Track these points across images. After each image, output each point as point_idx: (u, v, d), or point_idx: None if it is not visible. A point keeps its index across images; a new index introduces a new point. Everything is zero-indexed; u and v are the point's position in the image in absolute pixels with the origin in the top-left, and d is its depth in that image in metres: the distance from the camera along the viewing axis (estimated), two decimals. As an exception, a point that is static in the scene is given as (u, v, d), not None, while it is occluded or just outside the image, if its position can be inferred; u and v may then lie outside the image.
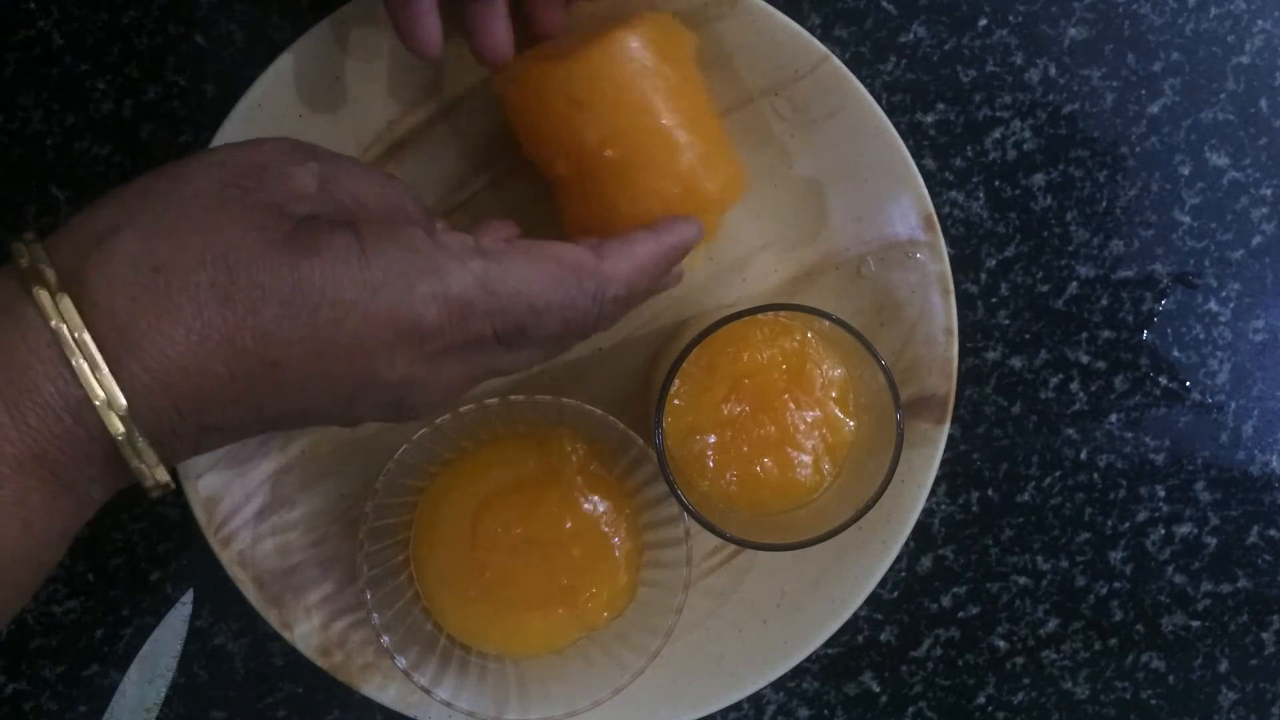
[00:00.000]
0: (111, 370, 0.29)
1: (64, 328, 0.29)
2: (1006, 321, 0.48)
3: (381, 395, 0.33)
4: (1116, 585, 0.49)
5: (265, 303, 0.30)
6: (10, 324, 0.29)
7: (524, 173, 0.43)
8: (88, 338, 0.29)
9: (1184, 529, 0.50)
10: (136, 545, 0.47)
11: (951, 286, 0.45)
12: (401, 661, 0.42)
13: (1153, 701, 0.50)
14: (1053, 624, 0.49)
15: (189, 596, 0.47)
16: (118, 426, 0.29)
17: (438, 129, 0.44)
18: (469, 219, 0.45)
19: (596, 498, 0.43)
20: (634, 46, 0.39)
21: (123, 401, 0.29)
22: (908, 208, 0.44)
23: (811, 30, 0.44)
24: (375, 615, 0.42)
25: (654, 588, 0.44)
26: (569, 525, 0.43)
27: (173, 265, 0.29)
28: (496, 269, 0.33)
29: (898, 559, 0.46)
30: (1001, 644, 0.49)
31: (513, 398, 0.42)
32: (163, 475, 0.31)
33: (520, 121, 0.41)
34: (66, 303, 0.29)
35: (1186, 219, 0.49)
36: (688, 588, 0.42)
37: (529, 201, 0.44)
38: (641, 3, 0.43)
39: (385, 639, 0.42)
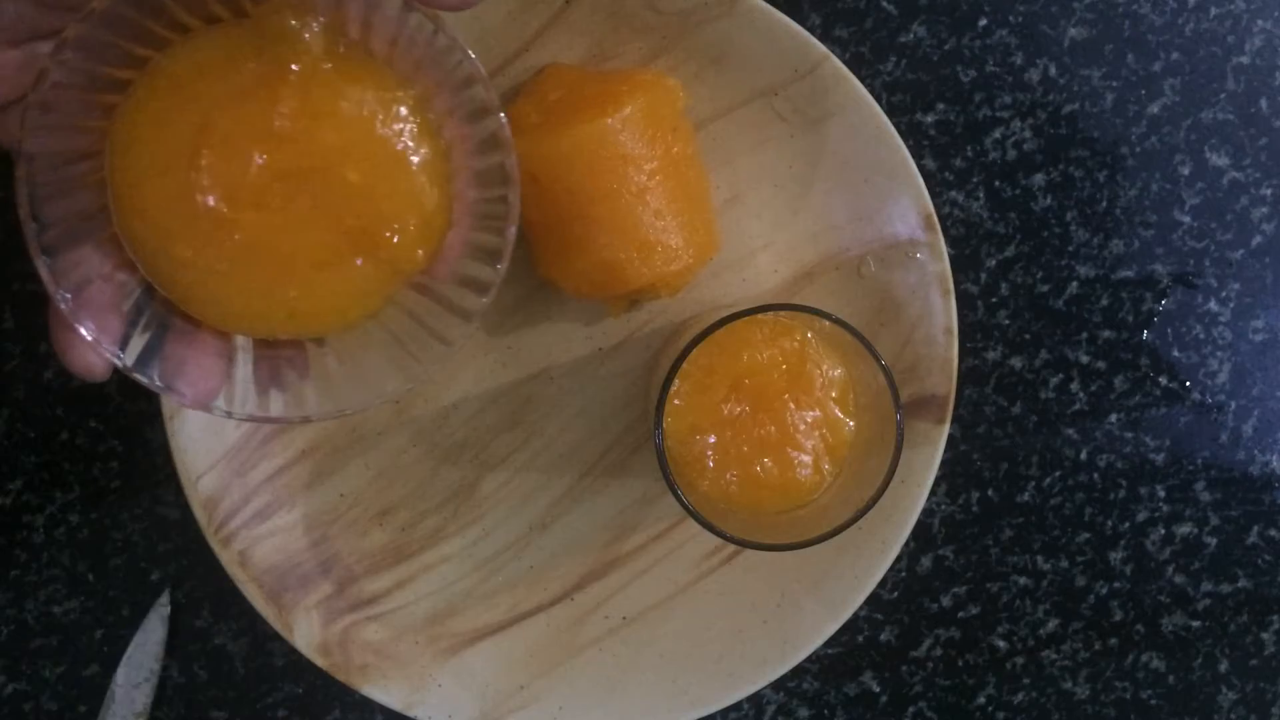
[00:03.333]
0: None
1: None
2: (1006, 321, 0.48)
3: None
4: (1116, 585, 0.49)
5: None
6: None
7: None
8: None
9: (1184, 529, 0.50)
10: (136, 545, 0.47)
11: (951, 286, 0.45)
12: (122, 358, 0.31)
13: (1153, 701, 0.50)
14: (1053, 624, 0.49)
15: (166, 598, 0.47)
16: None
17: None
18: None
19: (360, 89, 0.30)
20: (596, 135, 0.40)
21: None
22: (908, 208, 0.44)
23: (811, 30, 0.44)
24: (61, 294, 0.30)
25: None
26: (331, 140, 0.30)
27: None
28: None
29: (898, 559, 0.46)
30: (1001, 644, 0.49)
31: None
32: None
33: None
34: None
35: (1186, 219, 0.49)
36: (513, 225, 0.31)
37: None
38: (646, 20, 0.43)
39: (92, 332, 0.30)
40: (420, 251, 0.32)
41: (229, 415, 0.32)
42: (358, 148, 0.30)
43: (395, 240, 0.31)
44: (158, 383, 0.31)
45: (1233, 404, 0.49)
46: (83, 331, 0.30)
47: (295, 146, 0.30)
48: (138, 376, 0.31)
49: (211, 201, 0.30)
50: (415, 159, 0.31)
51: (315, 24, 0.30)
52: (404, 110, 0.31)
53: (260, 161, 0.30)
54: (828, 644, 0.46)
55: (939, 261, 0.45)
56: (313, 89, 0.30)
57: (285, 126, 0.30)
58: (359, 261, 0.31)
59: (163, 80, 0.30)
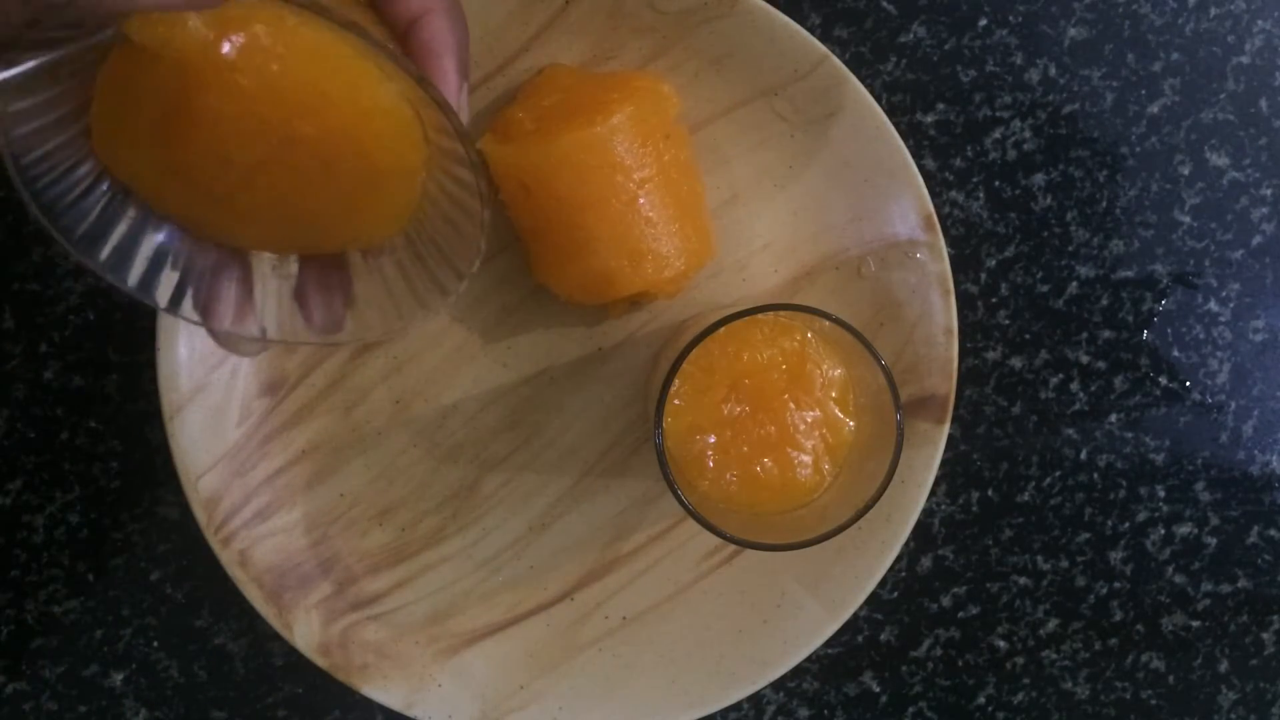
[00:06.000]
0: None
1: None
2: (1006, 321, 0.48)
3: None
4: (1116, 585, 0.49)
5: None
6: None
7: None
8: None
9: (1184, 529, 0.50)
10: (136, 545, 0.47)
11: (951, 286, 0.45)
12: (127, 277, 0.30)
13: (1153, 701, 0.50)
14: (1053, 624, 0.49)
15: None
16: None
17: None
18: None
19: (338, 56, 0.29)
20: (585, 144, 0.40)
21: None
22: (908, 208, 0.44)
23: (811, 30, 0.44)
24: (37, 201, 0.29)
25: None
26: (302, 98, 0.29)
27: None
28: None
29: (898, 559, 0.46)
30: (1001, 644, 0.49)
31: None
32: None
33: (494, 176, 0.43)
34: None
35: (1186, 219, 0.49)
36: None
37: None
38: (642, 22, 0.43)
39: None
40: (387, 228, 0.32)
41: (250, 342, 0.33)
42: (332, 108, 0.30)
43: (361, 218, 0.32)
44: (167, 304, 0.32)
45: (1233, 404, 0.49)
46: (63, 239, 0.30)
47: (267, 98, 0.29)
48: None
49: (203, 170, 0.30)
50: (388, 141, 0.31)
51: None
52: (384, 94, 0.31)
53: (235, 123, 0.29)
54: (828, 644, 0.46)
55: (939, 261, 0.45)
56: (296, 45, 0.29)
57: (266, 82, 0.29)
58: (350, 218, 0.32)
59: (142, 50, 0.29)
